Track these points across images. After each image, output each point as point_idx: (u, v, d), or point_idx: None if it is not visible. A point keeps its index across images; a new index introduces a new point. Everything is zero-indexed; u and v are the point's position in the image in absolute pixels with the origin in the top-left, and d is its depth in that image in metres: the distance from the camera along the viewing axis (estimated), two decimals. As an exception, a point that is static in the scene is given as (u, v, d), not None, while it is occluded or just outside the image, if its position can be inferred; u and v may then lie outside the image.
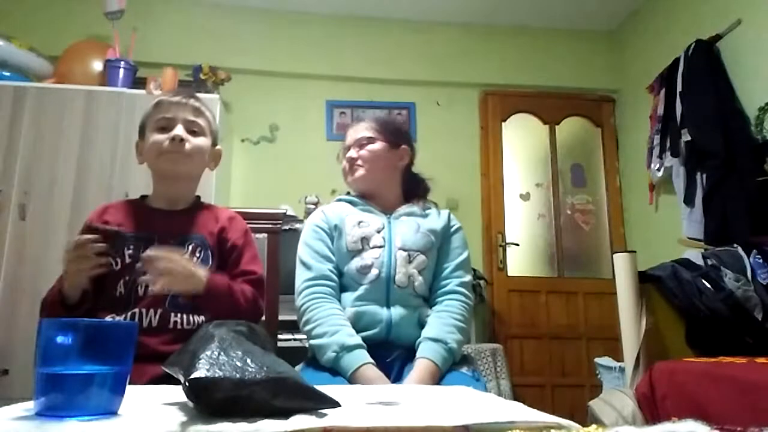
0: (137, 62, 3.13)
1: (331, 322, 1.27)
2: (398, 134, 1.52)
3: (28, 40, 3.08)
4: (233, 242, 1.35)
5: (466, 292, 1.39)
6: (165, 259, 1.14)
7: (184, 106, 1.33)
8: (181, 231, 1.30)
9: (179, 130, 1.30)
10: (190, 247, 1.28)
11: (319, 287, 1.33)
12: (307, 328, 1.30)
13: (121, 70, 3.05)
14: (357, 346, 1.22)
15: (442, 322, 1.30)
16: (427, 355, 1.23)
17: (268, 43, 3.67)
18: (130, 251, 1.25)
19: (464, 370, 1.27)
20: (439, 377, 1.21)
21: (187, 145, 1.30)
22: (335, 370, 1.23)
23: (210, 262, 1.28)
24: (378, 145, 1.47)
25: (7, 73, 2.92)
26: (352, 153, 1.47)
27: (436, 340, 1.26)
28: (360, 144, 1.47)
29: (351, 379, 1.18)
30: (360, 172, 1.45)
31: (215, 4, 3.63)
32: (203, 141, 1.35)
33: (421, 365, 1.21)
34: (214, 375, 0.57)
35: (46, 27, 3.35)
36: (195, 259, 1.26)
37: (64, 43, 3.18)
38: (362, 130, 1.49)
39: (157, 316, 1.20)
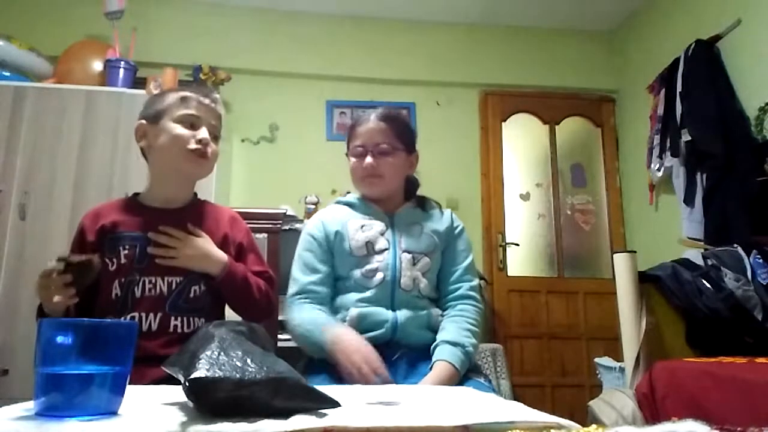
0: (137, 62, 3.13)
1: (311, 317, 1.28)
2: (412, 140, 1.48)
3: (28, 40, 3.08)
4: (237, 245, 1.34)
5: (477, 297, 1.39)
6: (180, 237, 1.17)
7: (212, 110, 1.32)
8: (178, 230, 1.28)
9: (206, 134, 1.28)
10: None
11: (302, 300, 1.33)
12: (294, 333, 1.31)
13: (121, 70, 3.05)
14: (337, 324, 1.24)
15: (458, 326, 1.29)
16: (445, 357, 1.22)
17: (268, 43, 3.67)
18: (126, 251, 1.23)
19: (482, 380, 1.26)
20: (457, 380, 1.20)
21: (209, 150, 1.29)
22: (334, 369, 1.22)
23: None
24: (398, 156, 1.41)
25: (7, 73, 2.92)
26: (370, 160, 1.39)
27: (454, 344, 1.24)
28: (380, 152, 1.39)
29: (332, 349, 1.19)
30: (378, 182, 1.41)
31: (215, 4, 3.63)
32: (217, 148, 1.35)
33: (439, 367, 1.20)
34: (214, 375, 0.57)
35: (46, 27, 3.35)
36: None
37: (64, 43, 3.17)
38: (381, 133, 1.41)
39: (157, 320, 1.19)
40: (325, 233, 1.39)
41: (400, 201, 1.47)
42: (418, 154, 1.50)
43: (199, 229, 1.29)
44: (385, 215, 1.42)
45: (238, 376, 0.58)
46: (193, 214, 1.33)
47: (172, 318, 1.20)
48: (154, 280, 1.21)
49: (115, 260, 1.23)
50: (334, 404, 0.61)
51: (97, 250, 1.24)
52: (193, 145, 1.26)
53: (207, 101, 1.32)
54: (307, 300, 1.33)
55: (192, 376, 0.57)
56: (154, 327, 1.18)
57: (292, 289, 1.36)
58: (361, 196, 1.47)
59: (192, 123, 1.28)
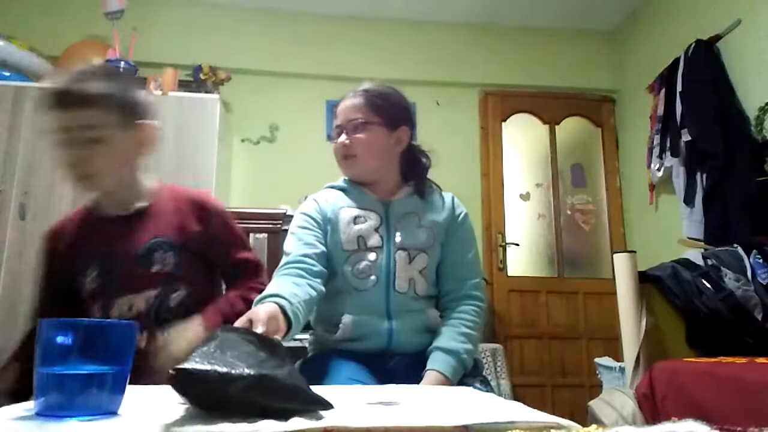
0: (137, 62, 3.13)
1: (273, 287, 1.10)
2: (396, 114, 1.34)
3: (28, 40, 3.08)
4: (209, 238, 1.22)
5: (480, 295, 1.32)
6: (168, 349, 1.04)
7: (65, 109, 1.07)
8: (143, 238, 1.17)
9: (73, 155, 1.08)
10: (158, 257, 1.17)
11: (287, 269, 1.18)
12: None
13: (121, 70, 3.05)
14: (272, 295, 1.04)
15: (455, 331, 1.24)
16: (436, 367, 1.17)
17: (268, 43, 3.67)
18: (94, 274, 1.16)
19: (477, 384, 1.21)
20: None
21: (84, 168, 1.09)
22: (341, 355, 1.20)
23: (182, 266, 1.19)
24: (373, 131, 1.30)
25: (7, 73, 2.92)
26: (344, 138, 1.30)
27: (447, 351, 1.19)
28: (354, 127, 1.30)
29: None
30: (353, 162, 1.31)
31: (215, 4, 3.63)
32: (105, 147, 1.09)
33: (431, 377, 1.16)
34: (199, 367, 0.57)
35: (46, 27, 3.35)
36: (166, 265, 1.17)
37: (64, 43, 3.18)
38: (355, 110, 1.31)
39: (145, 337, 1.12)
40: (321, 215, 1.30)
41: (395, 185, 1.35)
42: (408, 129, 1.36)
43: (160, 228, 1.19)
44: (379, 204, 1.31)
45: (224, 370, 0.57)
46: (153, 213, 1.20)
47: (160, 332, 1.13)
48: (129, 299, 1.15)
49: (86, 285, 1.16)
50: (327, 406, 0.60)
51: (68, 273, 1.19)
52: (71, 170, 1.10)
53: (57, 98, 1.07)
54: (293, 270, 1.17)
55: (178, 366, 0.56)
56: (143, 344, 1.11)
57: (282, 262, 1.22)
58: (350, 180, 1.37)
59: (61, 141, 1.08)
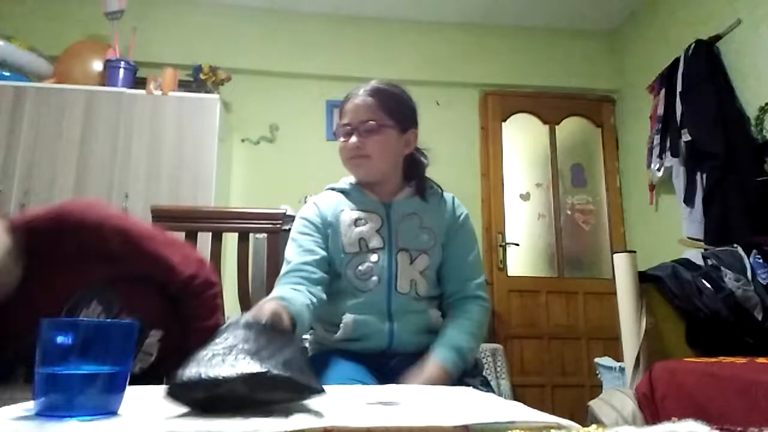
0: (137, 62, 3.13)
1: (274, 294, 1.11)
2: (407, 116, 1.33)
3: (28, 40, 3.08)
4: (111, 249, 1.01)
5: (483, 295, 1.33)
6: None
7: None
8: (54, 314, 0.93)
9: None
10: (84, 317, 1.00)
11: (288, 278, 1.20)
12: None
13: (121, 70, 3.05)
14: (275, 298, 1.05)
15: (459, 329, 1.24)
16: (438, 359, 1.17)
17: (268, 43, 3.67)
18: (25, 374, 0.96)
19: (477, 384, 1.20)
20: (449, 383, 1.14)
21: None
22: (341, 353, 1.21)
23: (112, 303, 1.02)
24: (386, 134, 1.28)
25: (7, 73, 2.93)
26: (355, 140, 1.28)
27: (450, 347, 1.20)
28: (367, 129, 1.27)
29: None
30: (366, 163, 1.29)
31: (215, 4, 3.63)
32: None
33: (431, 368, 1.16)
34: (189, 378, 0.58)
35: (46, 27, 3.35)
36: (99, 317, 0.99)
37: (64, 43, 3.18)
38: (367, 110, 1.28)
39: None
40: (321, 219, 1.30)
41: (396, 186, 1.35)
42: (415, 131, 1.35)
43: (58, 290, 0.96)
44: (380, 205, 1.31)
45: (212, 375, 0.58)
46: (38, 284, 0.93)
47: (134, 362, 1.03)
48: None
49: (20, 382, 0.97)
50: (319, 391, 0.61)
51: None
52: None
53: None
54: (293, 278, 1.19)
55: (173, 382, 0.58)
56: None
57: (282, 270, 1.23)
58: (354, 182, 1.36)
59: None
